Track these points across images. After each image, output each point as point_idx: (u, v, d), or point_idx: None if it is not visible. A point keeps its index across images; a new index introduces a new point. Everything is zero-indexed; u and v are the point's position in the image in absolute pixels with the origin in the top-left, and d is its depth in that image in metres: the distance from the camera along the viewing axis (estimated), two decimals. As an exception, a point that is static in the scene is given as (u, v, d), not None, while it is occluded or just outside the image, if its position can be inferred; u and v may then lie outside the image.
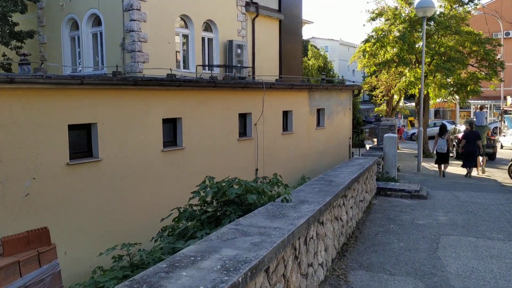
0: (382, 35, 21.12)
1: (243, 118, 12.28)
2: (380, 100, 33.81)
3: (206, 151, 10.67)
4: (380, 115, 39.21)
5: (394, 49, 21.86)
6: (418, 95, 23.25)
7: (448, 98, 29.34)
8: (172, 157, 9.85)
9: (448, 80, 23.47)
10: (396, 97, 28.41)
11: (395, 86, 23.94)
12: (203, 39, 17.07)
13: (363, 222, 7.95)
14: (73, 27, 16.84)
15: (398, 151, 27.89)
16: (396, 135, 13.28)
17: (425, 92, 22.49)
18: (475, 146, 14.53)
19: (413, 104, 29.50)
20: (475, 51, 22.14)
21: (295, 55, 23.22)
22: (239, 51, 18.27)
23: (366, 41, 21.72)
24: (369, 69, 23.63)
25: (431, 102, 28.83)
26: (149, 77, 9.65)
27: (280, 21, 21.43)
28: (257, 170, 12.51)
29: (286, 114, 14.15)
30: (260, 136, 12.56)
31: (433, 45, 21.26)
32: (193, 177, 10.36)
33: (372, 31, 21.70)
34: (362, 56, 23.19)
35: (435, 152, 15.62)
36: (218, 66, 16.30)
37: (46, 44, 17.93)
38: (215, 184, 4.99)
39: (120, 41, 15.00)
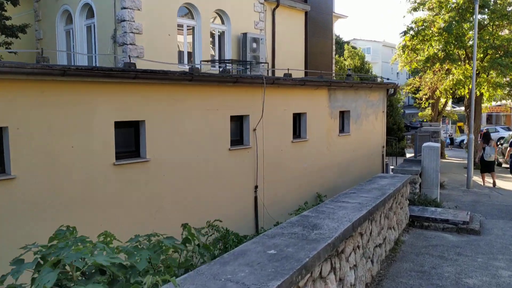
0: (423, 27, 17.96)
1: (238, 121, 9.73)
2: (425, 103, 30.34)
3: (181, 165, 8.19)
4: (425, 120, 35.57)
5: (439, 44, 18.66)
6: (468, 97, 19.88)
7: (505, 100, 25.57)
8: (130, 173, 7.44)
9: (505, 79, 19.95)
10: (442, 99, 24.92)
11: (441, 86, 20.63)
12: (212, 31, 14.79)
13: (380, 281, 5.17)
14: (68, 20, 14.95)
15: (444, 160, 24.54)
16: (438, 145, 10.29)
17: (477, 92, 19.09)
18: None
19: (462, 108, 25.89)
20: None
21: (325, 52, 20.48)
22: (254, 45, 15.84)
23: (405, 33, 18.62)
24: (410, 67, 20.49)
25: (483, 105, 25.19)
26: (87, 67, 7.29)
27: (306, 13, 18.82)
28: (256, 187, 9.90)
29: (298, 117, 11.46)
30: (261, 145, 9.96)
31: (487, 37, 17.89)
32: (160, 201, 7.91)
33: (412, 22, 18.58)
34: (401, 52, 20.11)
35: (478, 161, 15.00)
36: (224, 61, 13.85)
37: (43, 40, 16.15)
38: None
39: (111, 33, 12.91)
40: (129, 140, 7.70)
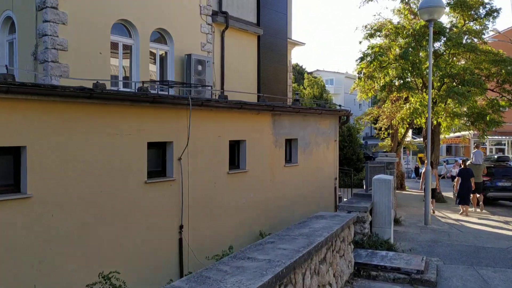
0: (379, 53, 17.21)
1: (159, 149, 8.26)
2: (384, 133, 29.77)
3: (76, 202, 6.61)
4: (385, 150, 35.01)
5: (396, 71, 17.94)
6: (425, 126, 19.13)
7: (463, 131, 25.17)
8: (9, 212, 5.80)
9: (463, 108, 19.38)
10: (401, 130, 24.24)
11: (398, 115, 19.85)
12: (153, 51, 13.49)
13: None
14: (-11, 36, 13.28)
15: (404, 192, 23.62)
16: (391, 177, 9.10)
17: (435, 122, 18.37)
18: (470, 184, 15.09)
19: (422, 139, 25.30)
20: (495, 73, 18.13)
21: (279, 78, 19.45)
22: (199, 67, 14.58)
23: (361, 59, 17.81)
24: (366, 95, 19.69)
25: (442, 136, 24.66)
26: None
27: (258, 37, 17.81)
28: (181, 228, 8.36)
29: (236, 145, 10.10)
30: (189, 177, 8.49)
31: (443, 66, 17.29)
32: (46, 249, 6.26)
33: (368, 48, 17.83)
34: (358, 79, 19.29)
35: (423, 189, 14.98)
36: (163, 83, 12.48)
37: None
38: None
39: (33, 49, 11.35)
40: (6, 171, 6.10)
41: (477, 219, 14.32)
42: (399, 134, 27.24)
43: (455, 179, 16.02)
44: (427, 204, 12.46)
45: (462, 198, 15.12)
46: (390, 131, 27.56)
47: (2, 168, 6.06)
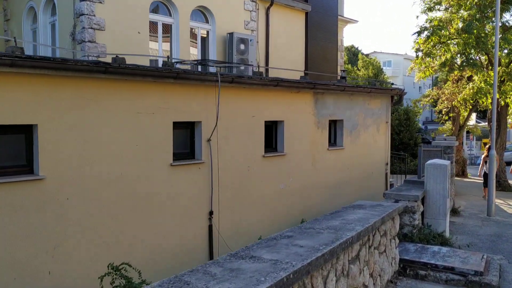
0: (439, 27, 15.65)
1: (187, 130, 7.68)
2: (444, 117, 27.74)
3: (95, 185, 6.18)
4: (445, 135, 32.83)
5: (458, 47, 16.33)
6: (491, 107, 17.37)
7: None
8: (17, 196, 5.45)
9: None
10: (462, 112, 22.33)
11: (459, 96, 18.17)
12: (193, 31, 13.01)
13: None
14: (34, 19, 13.35)
15: (466, 179, 21.84)
16: (447, 162, 8.00)
17: (502, 102, 16.61)
18: None
19: (487, 122, 23.24)
20: None
21: (329, 58, 18.40)
22: (242, 46, 13.93)
23: (418, 34, 16.33)
24: (424, 74, 18.14)
25: (510, 119, 22.51)
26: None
27: (306, 13, 16.82)
28: (211, 214, 7.78)
29: (273, 127, 9.36)
30: (219, 159, 7.88)
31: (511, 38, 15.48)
32: (62, 233, 5.88)
33: (426, 21, 16.29)
34: (415, 58, 17.78)
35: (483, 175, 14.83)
36: (199, 62, 11.90)
37: (10, 42, 14.57)
38: None
39: (71, 30, 11.19)
40: (17, 150, 5.74)
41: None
42: (461, 118, 25.25)
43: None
44: (490, 193, 11.13)
45: None
46: (451, 114, 25.60)
47: (12, 147, 5.70)
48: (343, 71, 11.90)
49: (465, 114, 24.72)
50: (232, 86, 7.95)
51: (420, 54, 17.22)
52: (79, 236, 6.03)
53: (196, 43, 13.46)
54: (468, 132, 31.45)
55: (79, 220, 6.02)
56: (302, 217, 9.41)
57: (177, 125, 7.34)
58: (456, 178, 22.09)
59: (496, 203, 13.56)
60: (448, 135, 29.05)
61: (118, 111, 6.44)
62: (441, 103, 23.95)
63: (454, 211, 11.39)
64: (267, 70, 15.02)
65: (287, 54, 16.04)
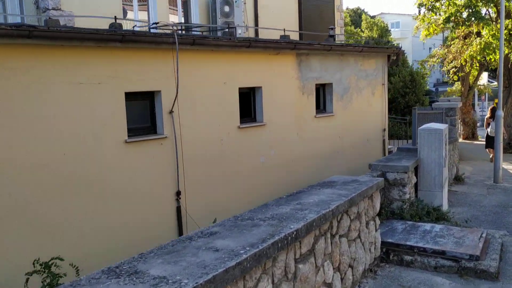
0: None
1: (144, 101, 6.78)
2: (453, 77, 26.36)
3: (31, 167, 5.36)
4: (456, 95, 31.46)
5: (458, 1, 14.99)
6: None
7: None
8: None
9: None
10: (472, 71, 20.96)
11: (466, 53, 16.86)
12: None
13: None
14: (1, -12, 12.34)
15: (476, 142, 20.70)
16: (443, 127, 7.00)
17: (511, 58, 15.34)
18: None
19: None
20: None
21: (325, 18, 17.14)
22: (226, 8, 12.84)
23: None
24: (428, 31, 16.84)
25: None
26: None
27: (298, -31, 15.56)
28: (178, 194, 6.96)
29: (250, 94, 8.40)
30: (185, 133, 7.01)
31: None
32: None
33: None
34: (417, 13, 16.45)
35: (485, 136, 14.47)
36: (174, 26, 10.86)
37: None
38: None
39: (35, -3, 10.23)
40: None
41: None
42: (470, 78, 23.88)
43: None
44: (497, 158, 10.13)
45: None
46: (460, 74, 24.22)
47: None
48: (331, 28, 10.77)
49: (475, 73, 23.36)
50: (195, 49, 6.97)
51: (423, 9, 15.91)
52: (15, 227, 5.26)
53: (177, 10, 12.44)
54: (479, 92, 30.07)
55: (13, 209, 5.23)
56: (287, 192, 8.55)
57: (131, 96, 6.44)
58: (466, 141, 21.02)
59: (505, 168, 12.57)
60: (457, 96, 27.76)
61: (53, 82, 5.54)
62: (449, 62, 22.60)
63: (458, 179, 10.45)
64: (256, 33, 13.94)
65: (279, 15, 14.85)
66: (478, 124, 26.27)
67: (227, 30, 12.43)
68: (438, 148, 6.78)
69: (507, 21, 14.83)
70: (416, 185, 7.02)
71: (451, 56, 20.08)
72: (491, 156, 13.89)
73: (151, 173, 6.65)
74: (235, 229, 2.94)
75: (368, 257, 4.61)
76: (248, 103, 8.38)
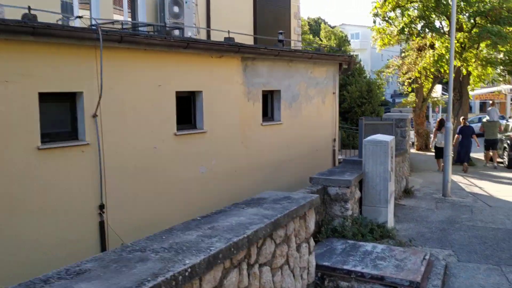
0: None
1: (63, 102, 6.07)
2: (408, 88, 26.71)
3: None
4: (408, 106, 31.95)
5: (418, 11, 15.00)
6: (454, 76, 16.23)
7: (497, 83, 21.93)
8: None
9: (499, 55, 16.32)
10: (426, 83, 21.19)
11: (419, 65, 16.93)
12: None
13: None
14: None
15: (429, 153, 20.88)
16: (389, 139, 6.64)
17: (464, 71, 15.47)
18: (470, 141, 14.63)
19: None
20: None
21: (281, 24, 16.76)
22: (176, 9, 12.19)
23: (373, -5, 14.88)
24: (383, 41, 16.81)
25: (474, 91, 21.57)
26: None
27: (253, -26, 15.15)
28: (102, 208, 6.25)
29: (190, 99, 7.81)
30: (111, 140, 6.32)
31: (474, 0, 14.22)
32: None
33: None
34: (373, 24, 16.36)
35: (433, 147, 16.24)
36: (113, 23, 10.13)
37: None
38: None
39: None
40: None
41: (509, 186, 11.75)
42: (424, 89, 24.22)
43: (455, 137, 14.86)
44: (446, 171, 9.95)
45: (461, 156, 14.74)
46: (414, 86, 24.53)
47: None
48: (281, 32, 10.37)
49: (429, 85, 23.70)
50: (125, 47, 6.32)
51: (378, 19, 15.84)
52: None
53: (122, 10, 11.73)
54: (433, 104, 30.55)
55: None
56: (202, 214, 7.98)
57: (47, 97, 5.71)
58: (419, 152, 21.19)
59: (455, 180, 12.51)
60: (412, 107, 28.12)
61: None
62: (404, 73, 22.81)
63: (407, 192, 10.21)
64: (209, 36, 13.39)
65: (233, 19, 14.33)
66: (431, 135, 26.69)
67: (176, 30, 11.81)
68: (383, 161, 6.41)
69: (459, 34, 14.95)
70: (360, 200, 6.62)
71: (405, 68, 20.20)
72: (439, 167, 14.35)
73: (70, 184, 5.92)
74: (113, 266, 2.34)
75: (299, 285, 4.09)
76: (188, 109, 7.78)
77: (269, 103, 9.54)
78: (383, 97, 37.21)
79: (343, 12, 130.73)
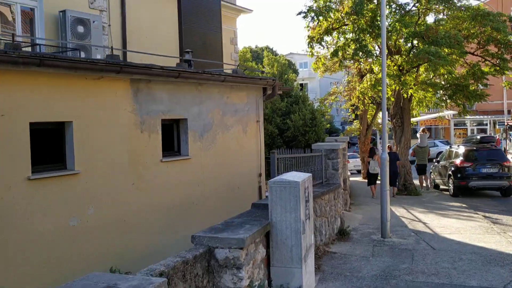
0: (325, 8, 13.22)
1: None
2: (350, 115, 26.08)
3: None
4: (353, 134, 31.35)
5: (351, 33, 14.10)
6: (393, 100, 15.37)
7: (439, 108, 21.50)
8: None
9: (436, 79, 15.67)
10: (369, 110, 20.42)
11: (356, 90, 16.00)
12: (11, 8, 9.70)
13: None
14: None
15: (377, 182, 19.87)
16: (300, 179, 5.16)
17: (404, 95, 14.61)
18: (396, 166, 14.47)
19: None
20: (476, 33, 14.38)
21: (212, 48, 15.42)
22: (81, 29, 10.63)
23: (304, 16, 13.83)
24: (316, 65, 15.79)
25: (416, 118, 21.00)
26: None
27: (178, -5, 13.81)
28: None
29: (52, 132, 6.11)
30: None
31: (410, 21, 13.48)
32: None
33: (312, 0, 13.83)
34: (307, 46, 15.30)
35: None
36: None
37: None
38: None
39: None
40: None
41: (455, 220, 10.67)
42: (368, 116, 23.55)
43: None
44: (384, 208, 8.64)
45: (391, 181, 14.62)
46: (358, 112, 23.83)
47: None
48: (188, 52, 8.89)
49: (373, 112, 23.05)
50: None
51: (313, 43, 14.81)
52: None
53: (14, 28, 10.03)
54: (374, 130, 29.96)
55: None
56: (112, 264, 6.23)
57: None
58: (365, 180, 20.13)
59: (398, 215, 11.33)
60: (356, 135, 27.35)
61: None
62: (345, 99, 22.06)
63: (342, 233, 8.82)
64: (125, 56, 11.80)
65: (155, 42, 12.82)
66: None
67: (82, 52, 10.13)
68: (294, 208, 4.95)
69: (396, 56, 14.15)
70: (268, 257, 5.09)
71: (345, 93, 19.34)
72: (373, 194, 14.84)
73: None
74: None
75: None
76: (52, 144, 6.07)
77: (175, 135, 7.97)
78: (328, 125, 36.65)
79: (291, 42, 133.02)
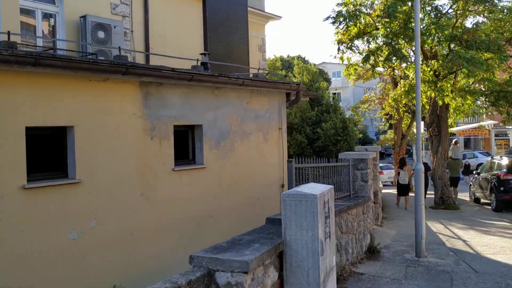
0: (355, 12, 12.51)
1: None
2: (384, 124, 25.03)
3: None
4: (388, 144, 30.18)
5: (380, 39, 13.33)
6: (428, 107, 14.44)
7: (479, 116, 20.28)
8: None
9: (475, 85, 14.63)
10: (395, 115, 19.41)
11: (389, 97, 15.12)
12: (33, 13, 9.63)
13: None
14: None
15: (411, 194, 18.84)
16: (318, 192, 4.50)
17: (440, 102, 13.66)
18: (426, 178, 14.65)
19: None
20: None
21: (237, 56, 14.99)
22: (101, 34, 10.48)
23: (333, 21, 13.14)
24: (348, 71, 15.05)
25: (452, 123, 19.81)
26: None
27: (204, 0, 13.45)
28: None
29: (51, 138, 5.68)
30: None
31: (445, 24, 12.58)
32: None
33: (338, 4, 13.14)
34: (336, 51, 14.59)
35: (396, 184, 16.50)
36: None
37: None
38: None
39: None
40: None
41: (499, 238, 9.68)
42: (403, 125, 22.50)
43: (411, 173, 15.21)
44: (418, 224, 7.81)
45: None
46: (392, 122, 22.80)
47: None
48: (205, 54, 8.40)
49: (408, 121, 22.02)
50: None
51: (342, 47, 14.11)
52: None
53: (35, 32, 9.95)
54: (408, 140, 28.70)
55: None
56: (116, 284, 5.71)
57: None
58: (396, 192, 19.08)
59: (434, 231, 10.40)
60: (390, 145, 26.19)
61: None
62: (378, 107, 21.14)
63: (372, 251, 8.02)
64: (147, 61, 11.55)
65: (178, 48, 12.52)
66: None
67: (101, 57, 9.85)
68: (311, 226, 4.29)
69: (432, 61, 13.27)
70: (282, 281, 4.43)
71: (376, 101, 18.46)
72: (398, 202, 15.33)
73: None
74: None
75: None
76: (51, 151, 5.65)
77: (189, 142, 7.45)
78: (361, 135, 35.55)
79: (324, 51, 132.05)
